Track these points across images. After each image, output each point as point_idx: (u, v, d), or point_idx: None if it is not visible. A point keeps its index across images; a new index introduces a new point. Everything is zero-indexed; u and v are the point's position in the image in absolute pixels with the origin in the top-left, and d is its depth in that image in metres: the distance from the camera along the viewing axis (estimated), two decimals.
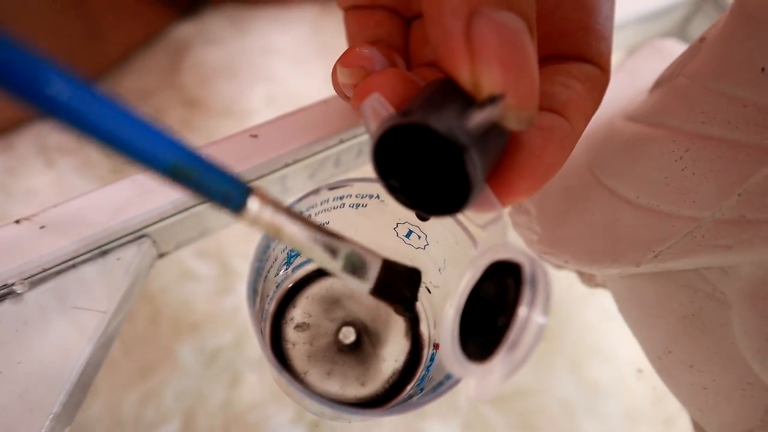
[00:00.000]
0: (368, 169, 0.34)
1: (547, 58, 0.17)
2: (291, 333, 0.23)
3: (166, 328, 0.41)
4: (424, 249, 0.23)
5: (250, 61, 0.56)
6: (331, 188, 0.20)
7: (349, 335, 0.23)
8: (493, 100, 0.13)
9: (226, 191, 0.12)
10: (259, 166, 0.25)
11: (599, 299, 0.44)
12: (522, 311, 0.13)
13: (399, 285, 0.19)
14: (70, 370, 0.21)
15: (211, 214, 0.26)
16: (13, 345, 0.21)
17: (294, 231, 0.14)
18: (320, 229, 0.15)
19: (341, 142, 0.26)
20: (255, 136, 0.25)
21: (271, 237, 0.14)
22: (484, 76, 0.13)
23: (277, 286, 0.24)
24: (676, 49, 0.34)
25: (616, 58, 0.26)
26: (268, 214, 0.14)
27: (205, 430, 0.38)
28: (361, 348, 0.23)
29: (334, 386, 0.22)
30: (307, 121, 0.26)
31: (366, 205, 0.22)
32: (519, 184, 0.15)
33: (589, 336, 0.44)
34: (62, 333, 0.21)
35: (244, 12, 0.59)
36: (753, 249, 0.17)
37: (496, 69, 0.12)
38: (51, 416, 0.20)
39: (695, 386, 0.21)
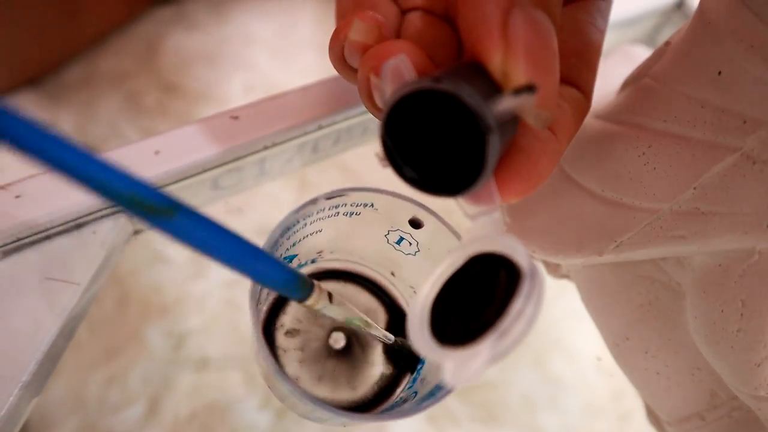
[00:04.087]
0: (345, 159, 0.35)
1: None
2: (282, 339, 0.23)
3: (134, 311, 0.41)
4: (414, 255, 0.23)
5: (230, 48, 0.56)
6: (329, 198, 0.20)
7: (339, 340, 0.23)
8: (529, 89, 0.13)
9: (301, 288, 0.17)
10: (238, 147, 0.25)
11: (565, 297, 0.45)
12: (518, 303, 0.13)
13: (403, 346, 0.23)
14: (41, 339, 0.21)
15: (188, 194, 0.26)
16: None
17: (337, 310, 0.19)
18: (353, 309, 0.20)
19: (320, 128, 0.27)
20: (236, 117, 0.25)
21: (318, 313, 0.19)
22: (515, 66, 0.13)
23: (268, 293, 0.24)
24: (644, 54, 0.36)
25: None
26: (322, 302, 0.18)
27: (171, 414, 0.38)
28: (351, 353, 0.23)
29: (324, 391, 0.22)
30: (287, 105, 0.26)
31: (359, 214, 0.22)
32: (513, 185, 0.15)
33: (554, 332, 0.46)
34: (34, 303, 0.21)
35: (223, 0, 0.59)
36: (705, 239, 0.18)
37: (527, 62, 0.13)
38: (20, 385, 0.20)
39: (649, 371, 0.22)
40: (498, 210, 0.15)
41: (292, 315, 0.24)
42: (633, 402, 0.42)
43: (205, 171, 0.25)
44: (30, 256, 0.22)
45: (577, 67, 0.18)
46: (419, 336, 0.15)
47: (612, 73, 0.29)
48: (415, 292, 0.24)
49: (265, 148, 0.26)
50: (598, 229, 0.22)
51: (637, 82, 0.22)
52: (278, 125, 0.25)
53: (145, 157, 0.24)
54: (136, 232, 0.26)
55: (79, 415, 0.37)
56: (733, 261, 0.18)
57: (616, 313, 0.23)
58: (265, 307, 0.24)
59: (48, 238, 0.22)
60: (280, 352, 0.23)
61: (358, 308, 0.25)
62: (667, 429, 0.23)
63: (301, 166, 0.29)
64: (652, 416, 0.25)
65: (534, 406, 0.42)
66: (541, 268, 0.14)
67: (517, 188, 0.15)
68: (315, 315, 0.24)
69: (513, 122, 0.14)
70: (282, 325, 0.24)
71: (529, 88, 0.13)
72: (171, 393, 0.39)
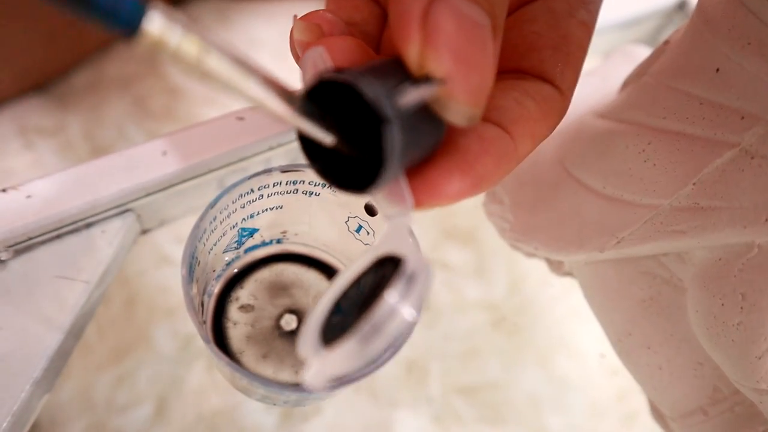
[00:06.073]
0: None
1: (510, 72, 0.17)
2: (234, 312, 0.23)
3: (141, 312, 0.42)
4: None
5: None
6: (284, 171, 0.21)
7: (290, 322, 0.23)
8: (428, 79, 0.12)
9: (112, 1, 0.09)
10: (244, 147, 0.25)
11: (571, 296, 0.46)
12: (389, 298, 0.12)
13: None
14: (52, 336, 0.21)
15: (195, 194, 0.26)
16: None
17: (216, 61, 0.10)
18: (245, 60, 0.11)
19: None
20: (241, 118, 0.26)
21: (188, 73, 0.10)
22: (431, 60, 0.12)
23: (227, 264, 0.24)
24: (645, 54, 0.36)
25: (591, 63, 0.27)
26: (176, 38, 0.10)
27: (178, 414, 0.39)
28: None
29: (267, 369, 0.22)
30: None
31: (319, 194, 0.22)
32: (444, 186, 0.14)
33: (558, 332, 0.46)
34: (45, 301, 0.22)
35: (229, 4, 0.60)
36: (705, 234, 0.19)
37: (444, 55, 0.12)
38: (32, 381, 0.20)
39: (651, 366, 0.22)
40: (410, 211, 0.14)
41: (248, 290, 0.24)
42: (638, 402, 0.42)
43: (211, 171, 0.25)
44: (41, 254, 0.22)
45: (551, 61, 0.17)
46: (307, 340, 0.14)
47: (613, 73, 0.29)
48: None
49: (270, 148, 0.26)
50: (599, 225, 0.22)
51: (637, 80, 0.22)
52: (283, 126, 0.26)
53: (153, 157, 0.24)
54: (144, 232, 0.27)
55: (88, 415, 0.38)
56: (733, 255, 0.18)
57: (618, 309, 0.23)
58: (223, 278, 0.24)
59: (58, 237, 0.23)
60: (229, 324, 0.23)
61: (312, 299, 0.24)
62: (670, 424, 0.23)
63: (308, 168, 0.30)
64: (656, 412, 0.25)
65: (539, 406, 0.42)
66: (431, 271, 0.13)
67: (450, 189, 0.14)
68: (273, 293, 0.24)
69: (431, 118, 0.13)
70: (237, 299, 0.24)
71: (428, 78, 0.12)
72: (178, 393, 0.39)
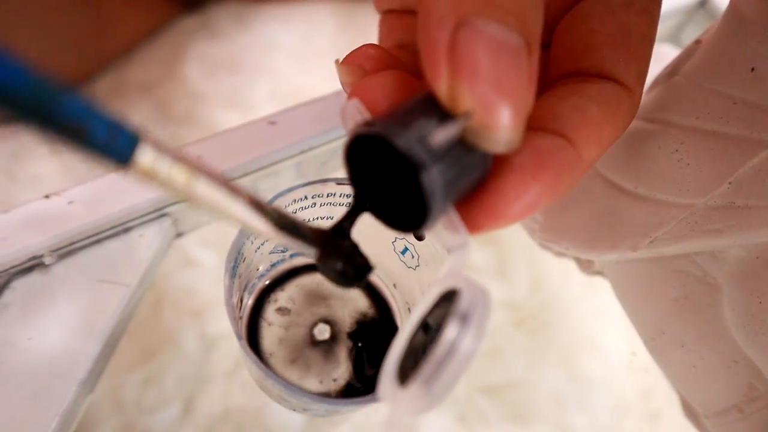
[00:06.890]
0: None
1: (569, 75, 0.16)
2: (271, 313, 0.24)
3: (168, 314, 0.42)
4: (414, 270, 0.23)
5: (253, 56, 0.57)
6: (339, 183, 0.21)
7: (324, 332, 0.23)
8: (457, 116, 0.12)
9: (106, 137, 0.09)
10: (276, 152, 0.26)
11: (593, 295, 0.46)
12: (448, 333, 0.12)
13: (341, 256, 0.17)
14: (96, 338, 0.22)
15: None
16: (40, 314, 0.22)
17: (204, 186, 0.11)
18: (232, 184, 0.12)
19: None
20: (273, 123, 0.26)
21: (173, 195, 0.11)
22: (462, 92, 0.12)
23: (271, 265, 0.24)
24: (669, 53, 0.36)
25: None
26: (166, 168, 0.11)
27: (205, 415, 0.39)
28: (332, 349, 0.24)
29: (293, 375, 0.22)
30: (322, 110, 0.27)
31: None
32: (502, 209, 0.14)
33: (582, 331, 0.46)
34: (87, 304, 0.22)
35: (247, 8, 0.60)
36: (741, 233, 0.19)
37: (474, 85, 0.12)
38: (78, 382, 0.21)
39: (685, 365, 0.22)
40: (466, 242, 0.14)
41: (288, 294, 0.24)
42: (662, 400, 0.42)
43: (244, 175, 0.26)
44: (83, 259, 0.23)
45: (612, 58, 0.16)
46: (386, 383, 0.13)
47: None
48: (409, 309, 0.24)
49: (302, 152, 0.27)
50: (632, 225, 0.22)
51: (667, 80, 0.22)
52: (315, 129, 0.26)
53: None
54: (179, 235, 0.27)
55: (119, 416, 0.38)
56: None
57: (651, 307, 0.23)
58: (266, 278, 0.24)
59: (99, 241, 0.23)
60: (263, 324, 0.23)
61: (349, 312, 0.24)
62: (704, 422, 0.23)
63: (336, 169, 0.30)
64: (689, 410, 0.25)
65: (563, 405, 0.42)
66: (489, 302, 0.13)
67: (509, 211, 0.13)
68: (312, 301, 0.25)
69: (470, 150, 0.13)
70: (275, 300, 0.24)
71: (459, 114, 0.12)
72: (205, 394, 0.40)
